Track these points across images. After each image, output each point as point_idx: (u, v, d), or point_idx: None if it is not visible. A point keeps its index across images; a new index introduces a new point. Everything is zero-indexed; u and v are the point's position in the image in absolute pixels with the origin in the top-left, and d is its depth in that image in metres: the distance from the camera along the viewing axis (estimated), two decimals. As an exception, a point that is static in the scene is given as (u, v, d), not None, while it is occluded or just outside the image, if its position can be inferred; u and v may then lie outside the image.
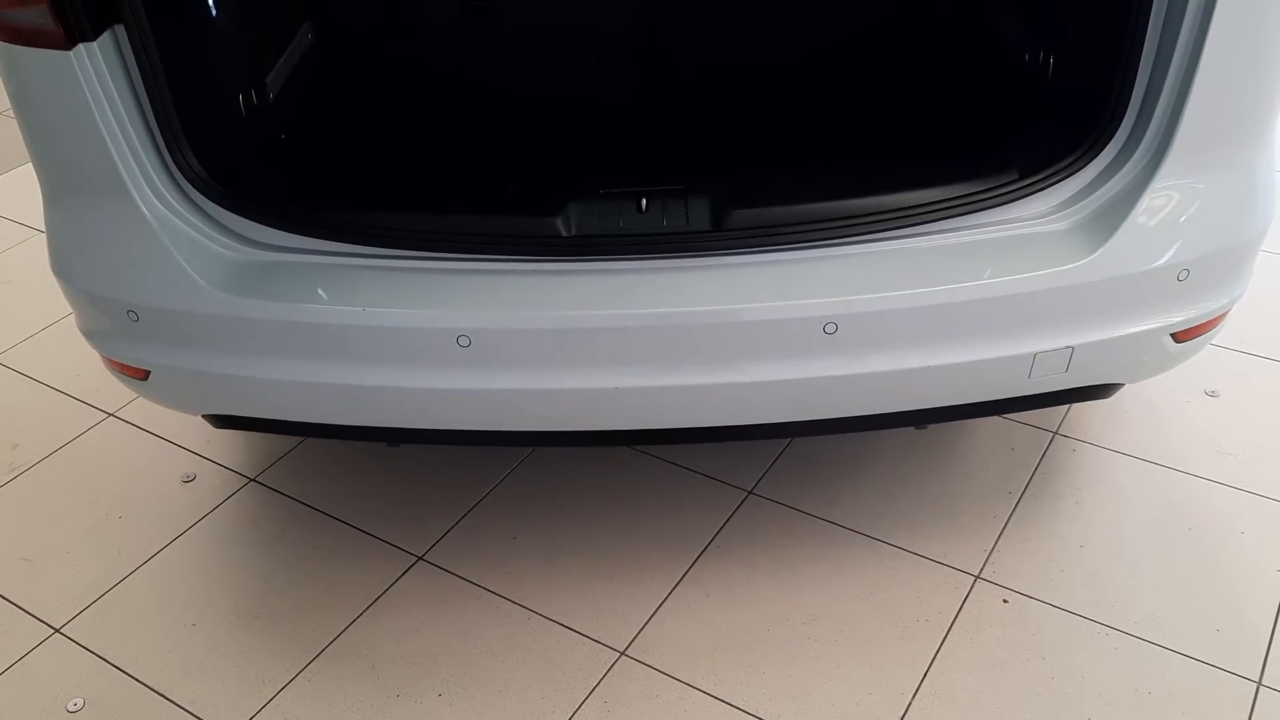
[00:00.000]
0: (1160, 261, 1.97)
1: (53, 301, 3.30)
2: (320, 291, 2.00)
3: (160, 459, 2.86)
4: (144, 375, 2.17)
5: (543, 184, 2.14)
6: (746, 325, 1.95)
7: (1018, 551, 2.45)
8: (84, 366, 3.17)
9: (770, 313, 1.94)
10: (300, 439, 2.85)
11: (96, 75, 1.91)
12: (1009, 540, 2.47)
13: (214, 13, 2.13)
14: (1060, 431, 2.77)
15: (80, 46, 1.88)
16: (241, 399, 2.14)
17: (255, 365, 2.07)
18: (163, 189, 2.02)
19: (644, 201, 2.04)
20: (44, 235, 2.15)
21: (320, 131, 2.59)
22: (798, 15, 2.67)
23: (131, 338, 2.12)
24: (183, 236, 2.03)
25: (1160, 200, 1.96)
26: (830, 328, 1.95)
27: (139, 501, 2.73)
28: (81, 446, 2.93)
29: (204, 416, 2.31)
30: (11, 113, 2.02)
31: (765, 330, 1.96)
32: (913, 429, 2.68)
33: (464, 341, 1.97)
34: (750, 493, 2.64)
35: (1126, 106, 1.96)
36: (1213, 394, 2.88)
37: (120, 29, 1.92)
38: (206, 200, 2.04)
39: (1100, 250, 1.96)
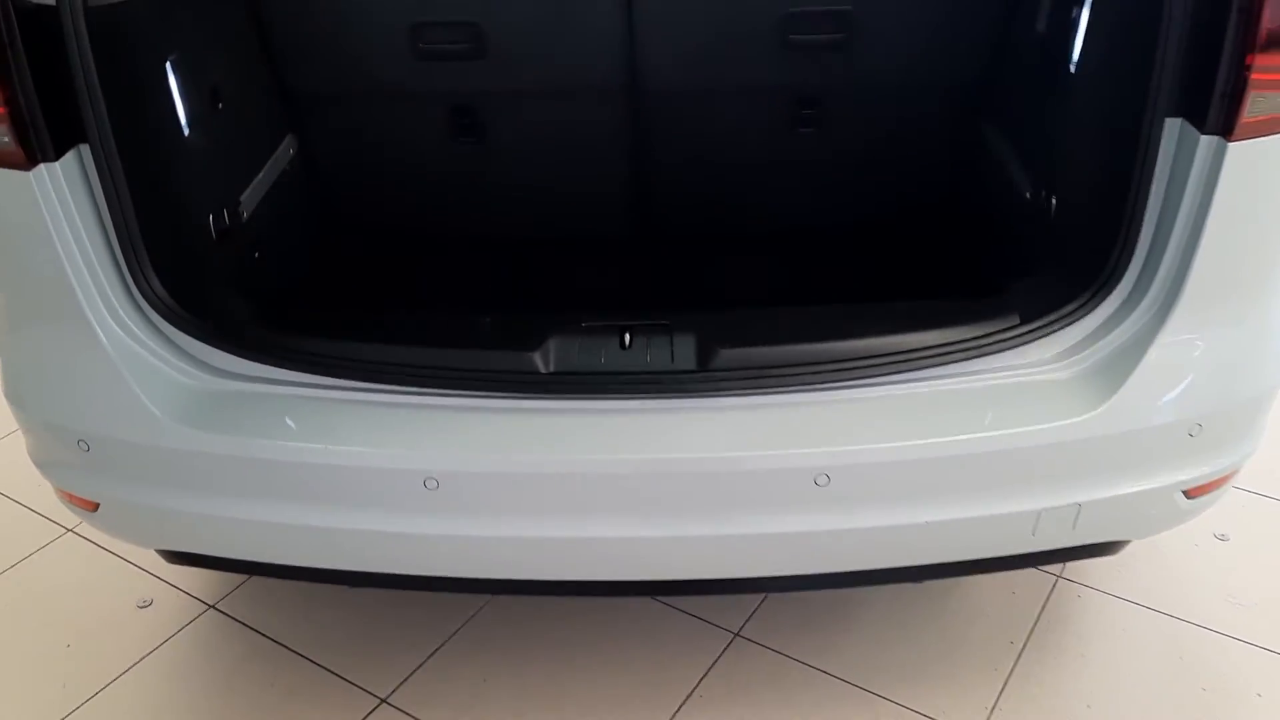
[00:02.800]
0: (1171, 417, 1.87)
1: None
2: (281, 426, 1.89)
3: (116, 581, 2.71)
4: (94, 507, 2.05)
5: (522, 316, 2.04)
6: (732, 474, 1.84)
7: (1022, 710, 2.29)
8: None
9: (757, 462, 1.83)
10: (265, 563, 2.71)
11: (57, 196, 1.83)
12: (1012, 697, 2.32)
13: (186, 131, 2.05)
14: (1063, 575, 2.63)
15: (41, 167, 1.80)
16: (195, 536, 2.02)
17: (210, 502, 1.95)
18: (123, 313, 1.93)
19: (627, 337, 1.95)
20: (0, 354, 2.05)
21: (293, 254, 2.51)
22: (793, 151, 2.60)
23: (82, 468, 2.00)
24: (141, 364, 1.93)
25: (1169, 353, 1.86)
26: (822, 479, 1.84)
27: (90, 627, 2.58)
28: (35, 564, 2.79)
29: (157, 551, 2.18)
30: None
31: (752, 480, 1.84)
32: None
33: (431, 484, 1.85)
34: (736, 635, 2.49)
35: (1132, 254, 1.87)
36: (1223, 537, 2.75)
37: (84, 148, 1.84)
38: (168, 325, 1.94)
39: (1107, 404, 1.85)
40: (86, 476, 2.01)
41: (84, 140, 1.84)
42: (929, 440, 1.83)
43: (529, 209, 2.74)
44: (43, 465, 2.09)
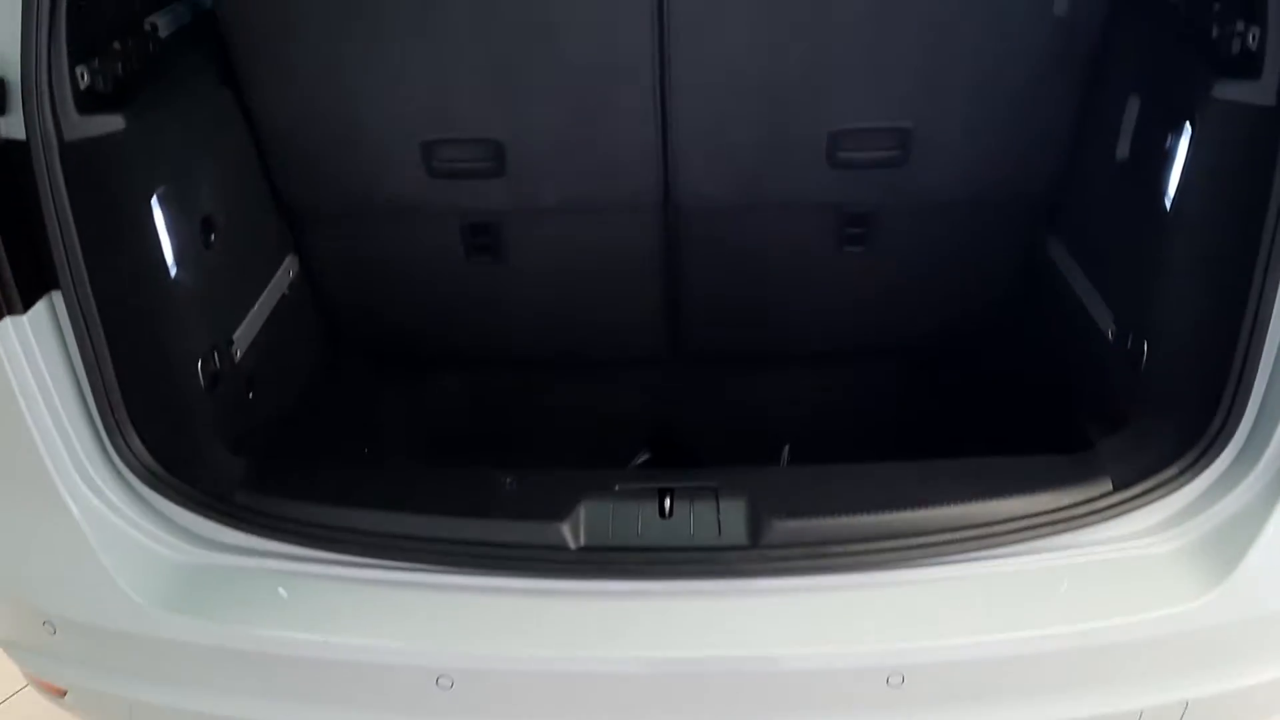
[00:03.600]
0: (1298, 602, 1.63)
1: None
2: (273, 612, 1.66)
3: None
4: (61, 693, 1.82)
5: (548, 474, 1.82)
6: (793, 674, 1.60)
7: None
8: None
9: (822, 660, 1.59)
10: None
11: (24, 351, 1.62)
12: None
13: (173, 270, 1.85)
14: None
15: (7, 320, 1.59)
16: (175, 731, 1.78)
17: (194, 697, 1.71)
18: (96, 478, 1.71)
19: (668, 502, 1.72)
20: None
21: (292, 387, 2.29)
22: (839, 271, 2.39)
23: (48, 651, 1.77)
24: (115, 536, 1.71)
25: (1292, 526, 1.62)
26: (895, 679, 1.59)
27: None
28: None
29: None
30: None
31: (815, 680, 1.60)
32: None
33: (445, 683, 1.61)
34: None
35: (1243, 411, 1.65)
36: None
37: (57, 295, 1.64)
38: (148, 489, 1.72)
39: (1221, 586, 1.61)
40: (53, 660, 1.78)
41: (56, 287, 1.63)
42: (1020, 634, 1.59)
43: (552, 332, 2.52)
44: (5, 644, 1.86)
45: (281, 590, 1.69)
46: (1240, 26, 1.61)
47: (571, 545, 1.67)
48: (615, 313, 2.49)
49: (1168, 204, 1.78)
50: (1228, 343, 1.64)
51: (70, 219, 1.60)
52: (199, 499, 1.73)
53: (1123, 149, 1.96)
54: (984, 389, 2.41)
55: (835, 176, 2.20)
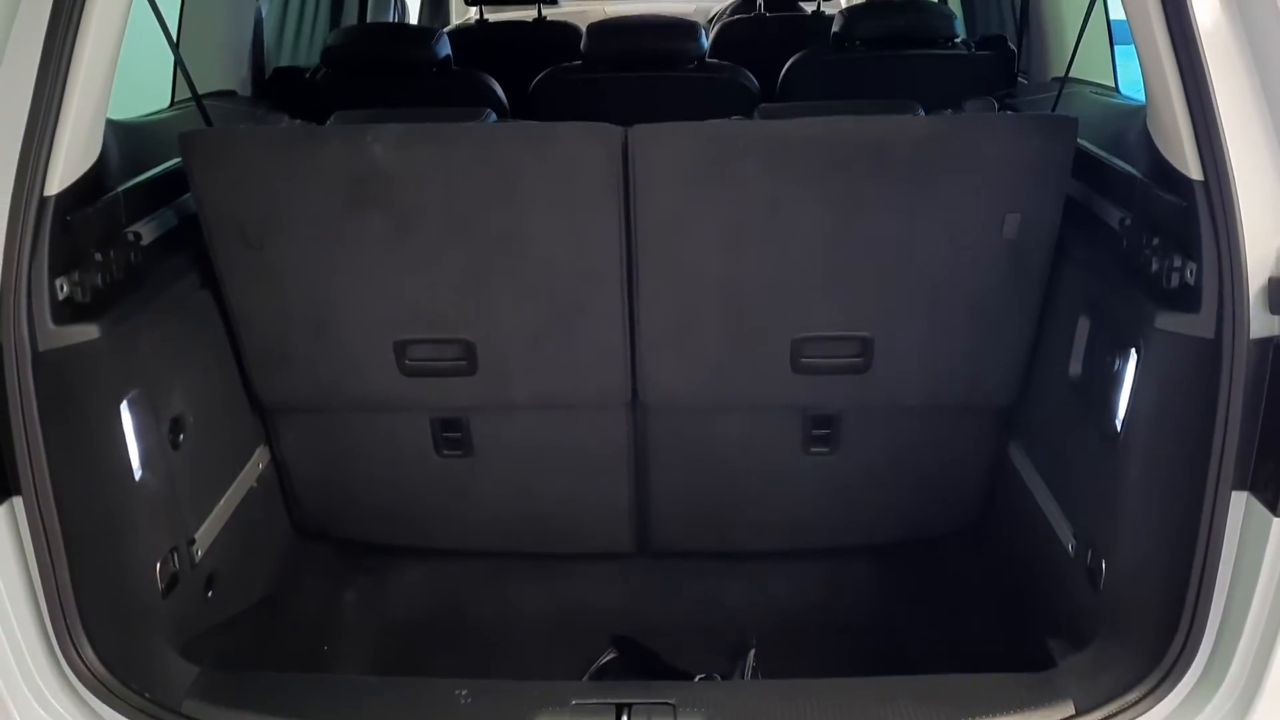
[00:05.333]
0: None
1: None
2: None
3: None
4: None
5: (502, 686, 1.79)
6: None
7: None
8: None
9: None
10: None
11: (-22, 561, 1.61)
12: None
13: (138, 474, 1.85)
14: None
15: (-37, 528, 1.59)
16: None
17: None
18: (46, 691, 1.68)
19: None
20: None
21: (253, 581, 2.27)
22: (805, 471, 2.42)
23: None
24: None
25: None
26: None
27: None
28: None
29: None
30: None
31: None
32: None
33: None
34: None
35: (1202, 633, 1.65)
36: None
37: (17, 501, 1.64)
38: (97, 701, 1.68)
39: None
40: None
41: (18, 493, 1.64)
42: None
43: (519, 526, 2.52)
44: None
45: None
46: (1178, 262, 1.69)
47: None
48: (582, 508, 2.50)
49: (1118, 425, 1.82)
50: (1183, 566, 1.65)
51: (38, 428, 1.62)
52: (147, 710, 1.69)
53: (1075, 367, 2.01)
54: (950, 593, 2.41)
55: (800, 381, 2.25)
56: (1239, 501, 1.61)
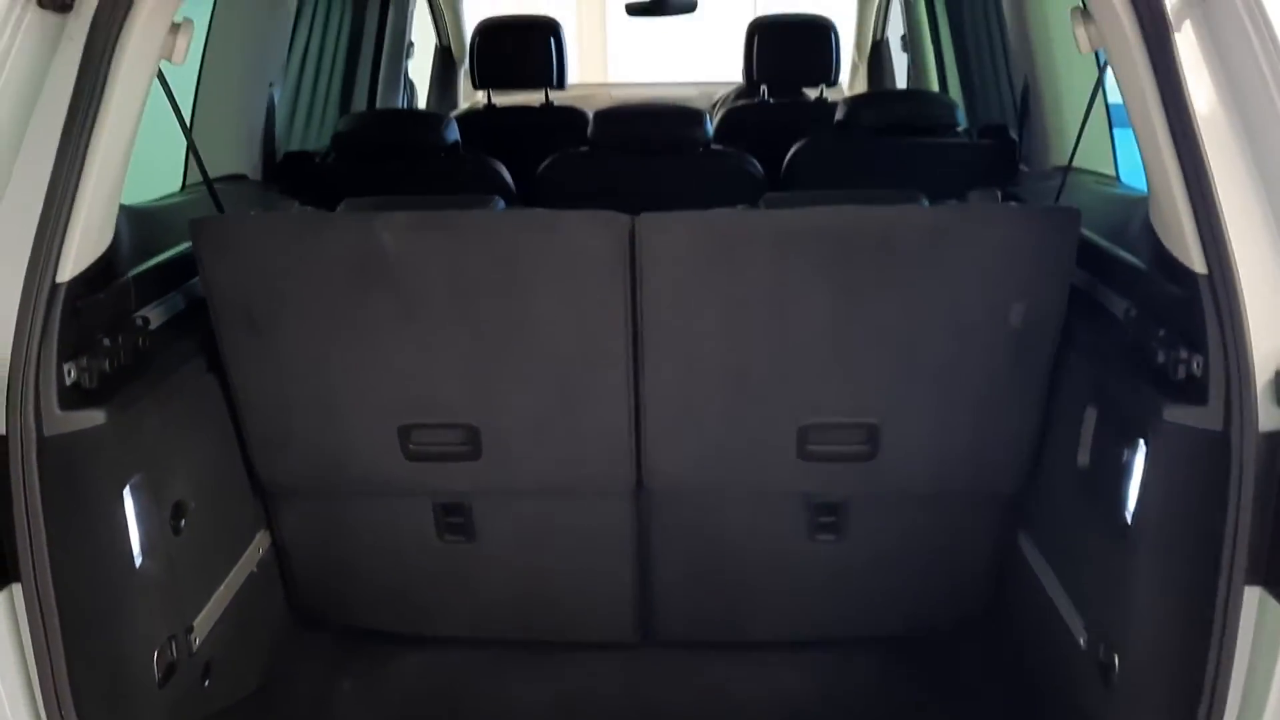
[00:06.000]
0: None
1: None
2: None
3: None
4: None
5: None
6: None
7: None
8: None
9: None
10: None
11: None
12: None
13: (138, 561, 1.83)
14: None
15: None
16: None
17: None
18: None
19: None
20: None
21: (251, 667, 2.24)
22: (811, 559, 2.39)
23: None
24: None
25: None
26: None
27: None
28: None
29: None
30: None
31: None
32: None
33: None
34: None
35: None
36: None
37: (16, 588, 1.62)
38: None
39: None
40: None
41: (17, 580, 1.62)
42: None
43: (520, 613, 2.48)
44: None
45: None
46: (1184, 353, 1.69)
47: None
48: (585, 595, 2.47)
49: (1129, 516, 1.80)
50: (1197, 663, 1.63)
51: (40, 515, 1.61)
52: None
53: (1083, 457, 2.00)
54: (959, 685, 2.36)
55: (805, 467, 2.24)
56: (1253, 596, 1.59)
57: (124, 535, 1.81)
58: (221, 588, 2.16)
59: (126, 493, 1.82)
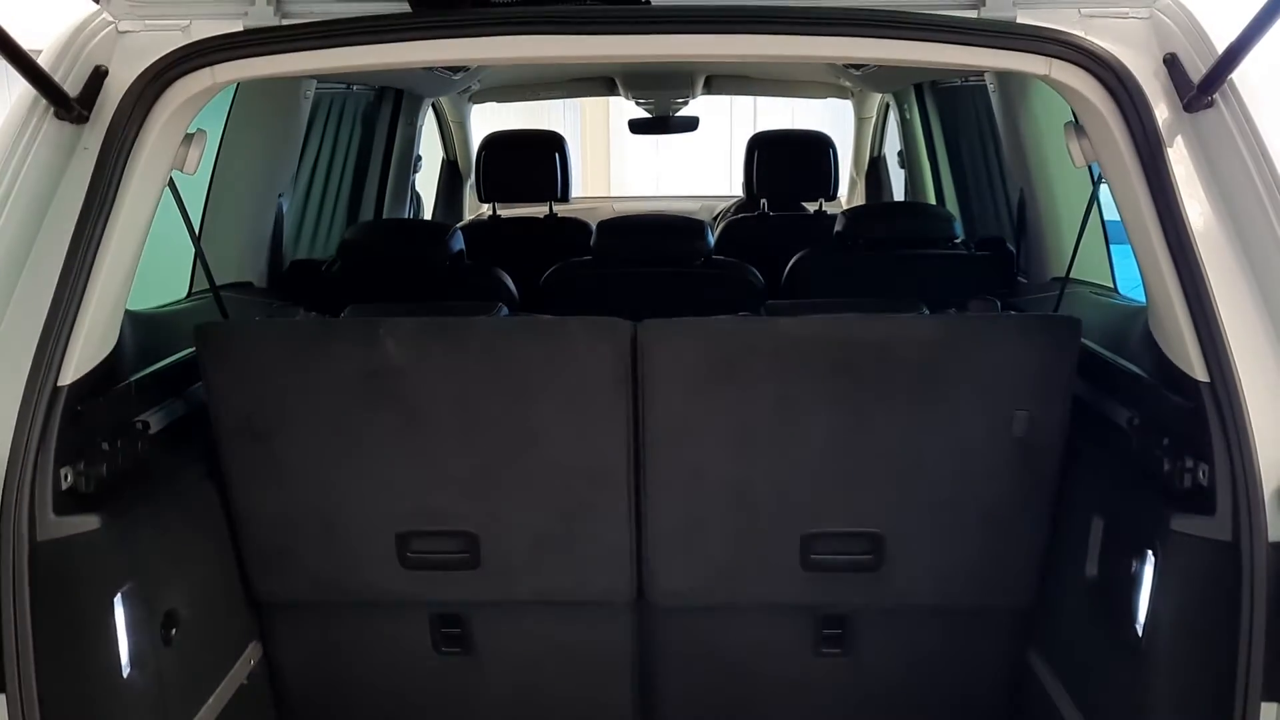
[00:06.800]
0: None
1: None
2: None
3: None
4: None
5: None
6: None
7: None
8: None
9: None
10: None
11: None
12: None
13: (126, 671, 1.78)
14: None
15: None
16: None
17: None
18: None
19: None
20: None
21: None
22: (816, 674, 2.33)
23: None
24: None
25: None
26: None
27: None
28: None
29: None
30: None
31: None
32: None
33: None
34: None
35: None
36: None
37: (0, 699, 1.58)
38: None
39: None
40: None
41: (2, 690, 1.58)
42: None
43: None
44: None
45: None
46: (1189, 463, 1.67)
47: None
48: (585, 712, 2.40)
49: (1140, 630, 1.76)
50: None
51: (28, 624, 1.58)
52: None
53: (1091, 569, 1.97)
54: None
55: (810, 579, 2.20)
56: (1270, 713, 1.55)
57: (113, 645, 1.77)
58: (211, 700, 2.10)
59: (118, 600, 1.78)
